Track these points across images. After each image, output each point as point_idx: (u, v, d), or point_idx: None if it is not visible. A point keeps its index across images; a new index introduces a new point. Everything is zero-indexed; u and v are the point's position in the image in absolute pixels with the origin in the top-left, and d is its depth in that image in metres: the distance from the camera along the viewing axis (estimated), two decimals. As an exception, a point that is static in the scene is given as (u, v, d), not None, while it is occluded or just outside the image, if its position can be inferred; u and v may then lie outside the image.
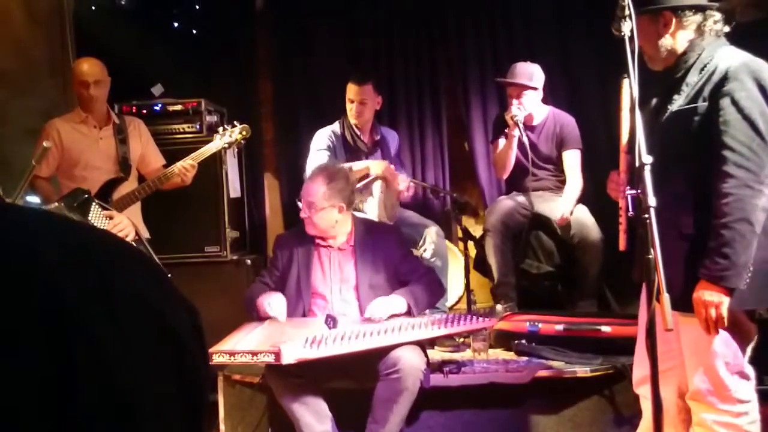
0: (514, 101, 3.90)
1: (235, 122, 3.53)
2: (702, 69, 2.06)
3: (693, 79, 2.08)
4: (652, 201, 1.86)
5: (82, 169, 3.51)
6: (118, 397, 0.46)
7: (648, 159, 1.88)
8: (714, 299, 1.94)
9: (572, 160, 3.99)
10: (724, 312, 1.94)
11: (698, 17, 2.09)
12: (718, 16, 2.09)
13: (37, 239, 0.48)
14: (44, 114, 3.92)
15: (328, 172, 3.06)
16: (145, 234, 3.67)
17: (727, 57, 2.04)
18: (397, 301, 2.95)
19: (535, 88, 3.94)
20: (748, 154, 1.92)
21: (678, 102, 2.09)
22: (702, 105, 2.02)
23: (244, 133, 3.50)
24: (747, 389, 2.10)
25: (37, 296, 0.44)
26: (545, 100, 4.12)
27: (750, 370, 2.12)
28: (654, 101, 2.21)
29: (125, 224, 3.27)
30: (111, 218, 3.26)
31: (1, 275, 0.44)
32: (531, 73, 3.94)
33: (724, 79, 1.98)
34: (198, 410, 0.53)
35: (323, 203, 2.98)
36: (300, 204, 3.08)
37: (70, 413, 0.43)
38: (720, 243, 1.93)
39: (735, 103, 1.95)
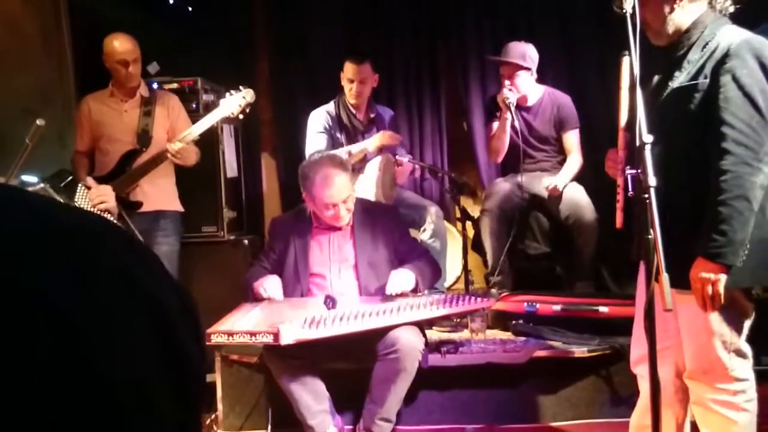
0: (506, 83, 3.86)
1: (240, 86, 3.54)
2: (704, 46, 2.05)
3: (694, 56, 2.06)
4: (652, 181, 1.84)
5: (105, 141, 3.65)
6: (88, 368, 0.42)
7: (649, 138, 1.87)
8: (711, 276, 1.94)
9: (572, 140, 3.98)
10: (721, 289, 1.94)
11: None
12: None
13: None
14: (40, 92, 3.89)
15: (338, 162, 3.04)
16: (177, 207, 3.77)
17: (729, 35, 2.02)
18: (409, 277, 2.93)
19: (528, 69, 3.88)
20: (747, 132, 1.91)
21: (679, 79, 2.07)
22: (703, 82, 2.00)
23: (247, 98, 3.49)
24: (744, 367, 2.11)
25: None
26: (545, 80, 4.08)
27: (747, 349, 2.12)
28: (654, 79, 2.20)
29: (105, 194, 3.36)
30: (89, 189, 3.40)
31: None
32: (524, 53, 3.87)
33: (726, 56, 1.96)
34: (190, 393, 0.50)
35: (352, 189, 3.03)
36: (328, 210, 2.98)
37: (29, 381, 0.39)
38: (717, 220, 1.92)
39: (736, 80, 1.94)
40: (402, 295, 2.90)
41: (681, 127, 2.06)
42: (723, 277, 1.94)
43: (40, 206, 0.48)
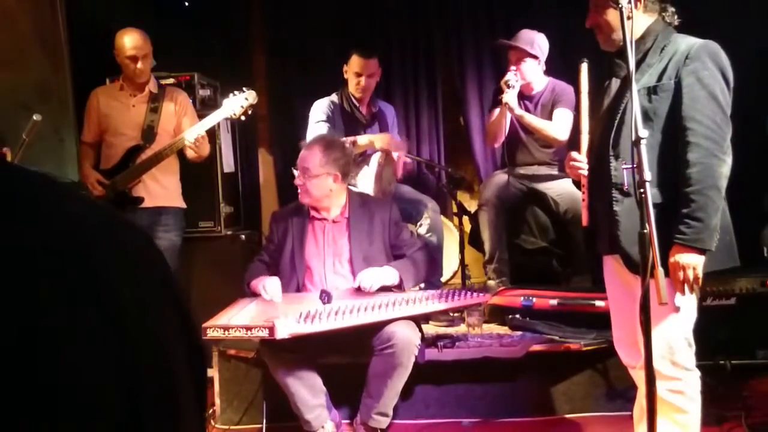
0: (512, 67, 3.86)
1: (244, 87, 3.56)
2: (661, 51, 2.21)
3: (653, 60, 2.21)
4: (647, 175, 1.91)
5: (111, 135, 3.68)
6: (159, 356, 0.47)
7: (644, 133, 1.94)
8: (691, 261, 2.07)
9: (561, 116, 3.86)
10: (700, 272, 2.07)
11: (658, 6, 2.25)
12: (673, 8, 2.28)
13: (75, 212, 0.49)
14: (37, 87, 3.87)
15: (325, 141, 3.08)
16: (179, 204, 3.78)
17: (686, 40, 2.20)
18: (389, 273, 2.95)
19: (535, 57, 3.88)
20: (713, 127, 2.08)
21: (641, 81, 2.20)
22: (668, 83, 2.15)
23: (250, 99, 3.51)
24: (692, 358, 2.21)
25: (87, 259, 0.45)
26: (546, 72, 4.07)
27: (692, 341, 2.21)
28: (613, 82, 2.34)
29: None
30: None
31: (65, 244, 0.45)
32: (532, 40, 3.87)
33: (687, 59, 2.13)
34: (202, 377, 0.54)
35: (319, 170, 2.99)
36: (296, 172, 3.06)
37: (121, 365, 0.44)
38: (693, 208, 2.06)
39: (700, 80, 2.10)
40: (381, 290, 2.92)
41: (647, 124, 2.15)
42: (701, 261, 2.07)
43: (93, 204, 0.52)
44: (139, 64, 3.60)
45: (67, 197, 0.49)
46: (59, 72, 4.01)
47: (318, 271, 3.06)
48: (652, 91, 2.17)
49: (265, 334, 2.52)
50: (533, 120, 3.83)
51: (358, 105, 3.96)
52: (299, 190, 3.06)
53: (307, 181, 2.99)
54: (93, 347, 0.42)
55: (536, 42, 3.88)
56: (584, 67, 2.41)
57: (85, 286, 0.43)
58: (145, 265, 0.50)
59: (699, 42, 2.16)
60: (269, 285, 2.95)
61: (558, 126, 3.83)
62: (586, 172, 2.34)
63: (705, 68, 2.11)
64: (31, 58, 4.01)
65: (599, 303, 3.34)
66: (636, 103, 1.96)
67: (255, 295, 2.99)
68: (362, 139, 3.80)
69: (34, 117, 3.15)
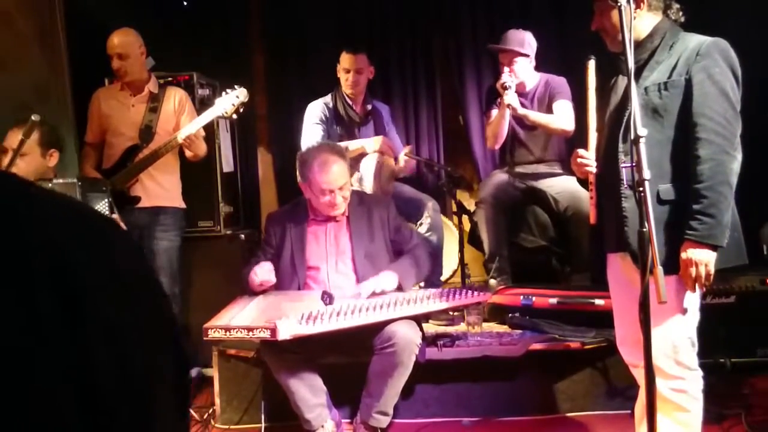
0: (506, 69, 3.86)
1: (235, 85, 3.56)
2: (670, 48, 2.21)
3: (662, 57, 2.22)
4: (646, 174, 1.91)
5: (111, 135, 3.70)
6: (130, 364, 0.47)
7: (643, 132, 1.94)
8: (703, 258, 2.07)
9: (562, 107, 3.86)
10: (712, 269, 2.08)
11: (662, 4, 2.26)
12: (678, 5, 2.29)
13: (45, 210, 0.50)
14: (36, 88, 3.87)
15: (337, 150, 3.06)
16: (178, 203, 3.78)
17: (694, 38, 2.20)
18: (389, 278, 2.94)
19: (526, 55, 3.88)
20: (724, 123, 2.09)
21: (650, 78, 2.21)
22: (678, 79, 2.16)
23: (241, 97, 3.50)
24: (694, 357, 2.21)
25: (45, 258, 0.45)
26: (540, 68, 4.08)
27: (696, 340, 2.21)
28: (620, 79, 2.34)
29: None
30: None
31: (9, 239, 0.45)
32: (522, 40, 3.89)
33: (697, 56, 2.14)
34: (185, 384, 0.54)
35: (348, 176, 3.03)
36: (326, 196, 2.99)
37: (85, 377, 0.44)
38: (705, 204, 2.06)
39: (710, 77, 2.11)
40: (380, 293, 2.91)
41: (657, 121, 2.17)
42: (713, 257, 2.08)
43: (70, 207, 0.52)
44: (114, 62, 3.60)
45: (42, 203, 0.49)
46: (58, 72, 4.00)
47: (321, 270, 3.06)
48: (662, 87, 2.17)
49: (266, 335, 2.52)
50: (537, 117, 3.83)
51: (351, 104, 3.98)
52: (334, 208, 3.02)
53: (345, 194, 3.01)
54: (52, 350, 0.42)
55: (526, 40, 3.89)
56: (591, 64, 2.41)
57: (51, 292, 0.43)
58: (122, 271, 0.49)
59: (709, 39, 2.17)
60: (260, 270, 2.95)
61: (562, 118, 3.84)
62: (593, 169, 2.33)
63: (716, 65, 2.11)
64: (30, 59, 4.00)
65: (599, 301, 3.34)
66: (635, 102, 1.96)
67: (254, 292, 2.99)
68: (354, 144, 3.80)
69: (33, 117, 3.14)
